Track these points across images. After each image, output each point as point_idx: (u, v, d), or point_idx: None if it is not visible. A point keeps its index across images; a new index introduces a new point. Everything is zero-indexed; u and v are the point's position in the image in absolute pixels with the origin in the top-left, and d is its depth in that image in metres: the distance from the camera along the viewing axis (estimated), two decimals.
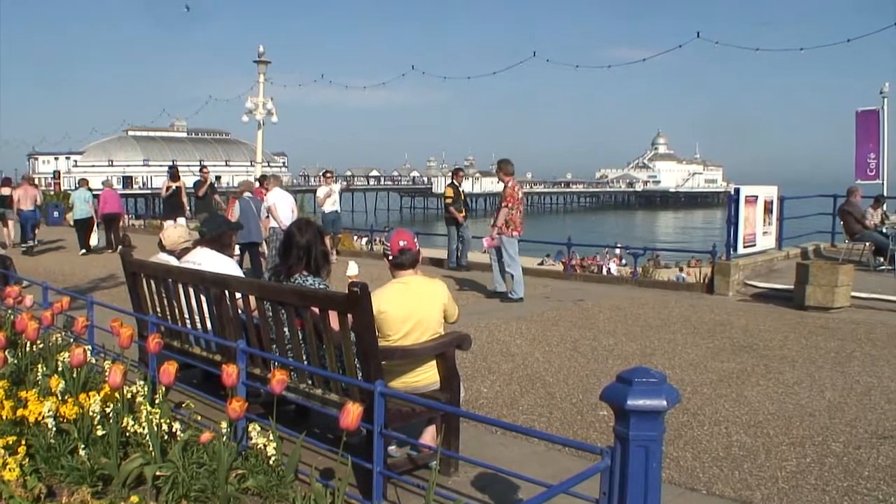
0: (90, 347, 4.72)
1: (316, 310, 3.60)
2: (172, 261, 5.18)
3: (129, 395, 3.85)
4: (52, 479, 3.41)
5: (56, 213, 23.76)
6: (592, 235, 43.46)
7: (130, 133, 74.16)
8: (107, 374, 3.87)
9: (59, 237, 17.84)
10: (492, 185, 79.55)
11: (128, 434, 3.58)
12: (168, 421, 3.59)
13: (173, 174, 16.18)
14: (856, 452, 4.38)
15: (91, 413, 3.61)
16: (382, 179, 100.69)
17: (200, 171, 16.32)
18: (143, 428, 3.50)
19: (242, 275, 5.23)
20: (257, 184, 13.60)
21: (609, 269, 20.73)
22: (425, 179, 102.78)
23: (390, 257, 4.01)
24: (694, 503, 3.77)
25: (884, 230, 11.70)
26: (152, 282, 4.90)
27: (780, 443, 4.54)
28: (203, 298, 4.47)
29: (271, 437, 3.40)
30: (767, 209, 11.32)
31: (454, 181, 12.98)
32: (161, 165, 68.18)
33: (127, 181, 67.60)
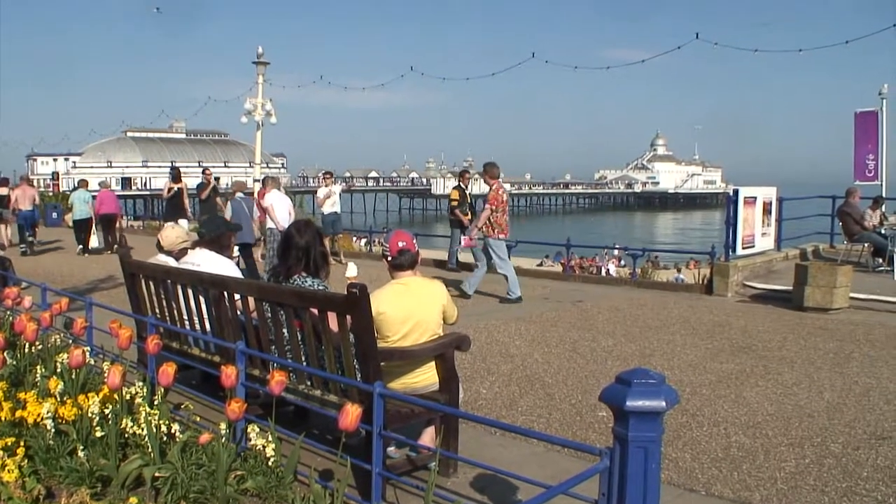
0: (89, 348, 4.71)
1: (315, 311, 3.61)
2: (171, 262, 5.17)
3: (127, 397, 3.84)
4: (51, 481, 3.41)
5: (55, 215, 23.76)
6: (591, 236, 43.45)
7: (129, 134, 74.08)
8: (106, 375, 3.87)
9: (57, 238, 17.84)
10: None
11: (127, 435, 3.57)
12: (167, 422, 3.59)
13: (175, 176, 16.17)
14: (854, 453, 4.39)
15: (90, 414, 3.61)
16: (381, 180, 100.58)
17: (203, 173, 16.29)
18: (142, 429, 3.50)
19: (241, 276, 5.23)
20: (260, 185, 13.60)
21: (608, 270, 20.71)
22: (424, 181, 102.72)
23: (389, 258, 4.01)
24: None
25: (882, 231, 11.71)
26: (151, 283, 4.90)
27: (778, 444, 4.54)
28: (202, 299, 4.47)
29: (270, 439, 3.40)
30: (766, 210, 11.32)
31: (460, 183, 12.98)
32: (160, 166, 68.20)
33: (126, 182, 67.61)
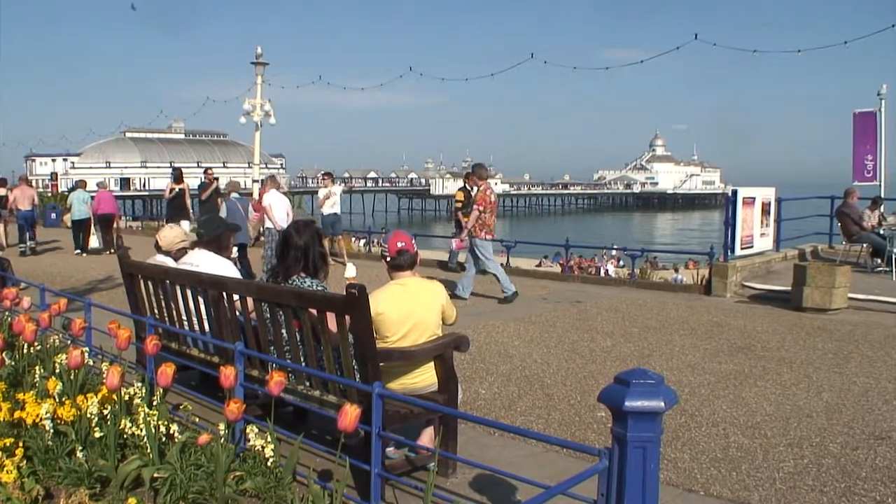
0: (88, 349, 4.71)
1: (314, 311, 3.61)
2: (169, 262, 5.17)
3: (126, 397, 3.84)
4: (50, 481, 3.41)
5: (54, 215, 23.76)
6: (590, 237, 43.43)
7: (128, 135, 73.98)
8: (104, 375, 3.86)
9: (56, 238, 17.83)
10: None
11: (125, 436, 3.57)
12: (166, 423, 3.58)
13: (177, 176, 16.14)
14: (853, 453, 4.39)
15: (89, 415, 3.60)
16: (380, 181, 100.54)
17: (205, 173, 16.25)
18: (141, 430, 3.49)
19: (240, 276, 5.23)
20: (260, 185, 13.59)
21: (607, 270, 20.71)
22: (423, 181, 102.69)
23: (388, 259, 4.01)
24: None
25: (881, 232, 11.72)
26: (150, 283, 4.90)
27: (777, 444, 4.54)
28: (201, 300, 4.47)
29: (269, 439, 3.40)
30: (765, 211, 11.32)
31: (466, 185, 12.95)
32: (159, 167, 68.12)
33: (124, 183, 67.49)
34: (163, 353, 4.22)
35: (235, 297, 4.21)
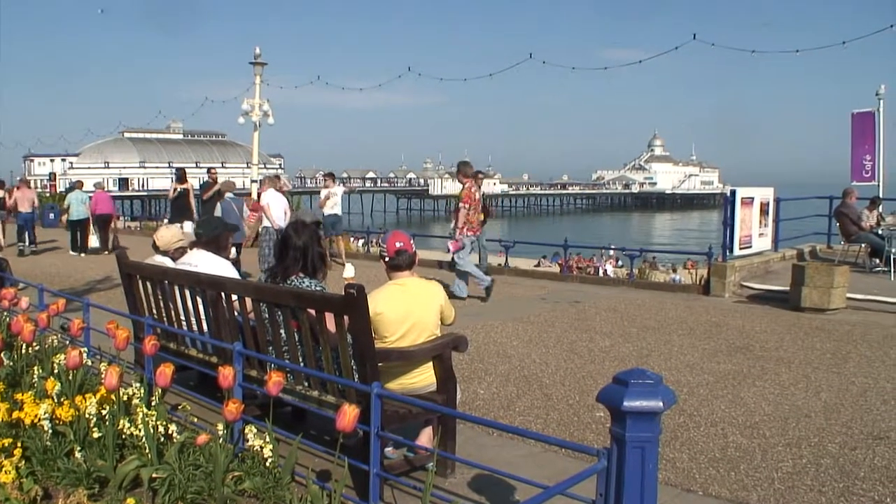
0: (86, 349, 4.71)
1: (312, 311, 3.60)
2: (167, 262, 5.17)
3: (125, 398, 3.84)
4: (49, 482, 3.40)
5: (52, 216, 23.75)
6: (589, 237, 43.47)
7: (126, 135, 73.89)
8: (103, 376, 3.85)
9: (54, 238, 17.82)
10: (486, 186, 79.52)
11: (124, 436, 3.57)
12: (164, 423, 3.58)
13: (180, 176, 16.12)
14: (851, 453, 4.39)
15: (87, 415, 3.60)
16: (379, 181, 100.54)
17: (208, 172, 16.21)
18: (140, 430, 3.49)
19: (238, 276, 5.23)
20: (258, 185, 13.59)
21: (605, 270, 20.75)
22: (422, 181, 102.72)
23: (386, 259, 4.01)
24: None
25: (879, 232, 11.73)
26: (148, 284, 4.89)
27: (776, 444, 4.55)
28: (199, 300, 4.46)
29: (268, 439, 3.40)
30: (763, 211, 11.33)
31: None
32: (157, 167, 68.15)
33: (123, 183, 67.48)
34: (161, 354, 4.21)
35: (234, 297, 4.20)
